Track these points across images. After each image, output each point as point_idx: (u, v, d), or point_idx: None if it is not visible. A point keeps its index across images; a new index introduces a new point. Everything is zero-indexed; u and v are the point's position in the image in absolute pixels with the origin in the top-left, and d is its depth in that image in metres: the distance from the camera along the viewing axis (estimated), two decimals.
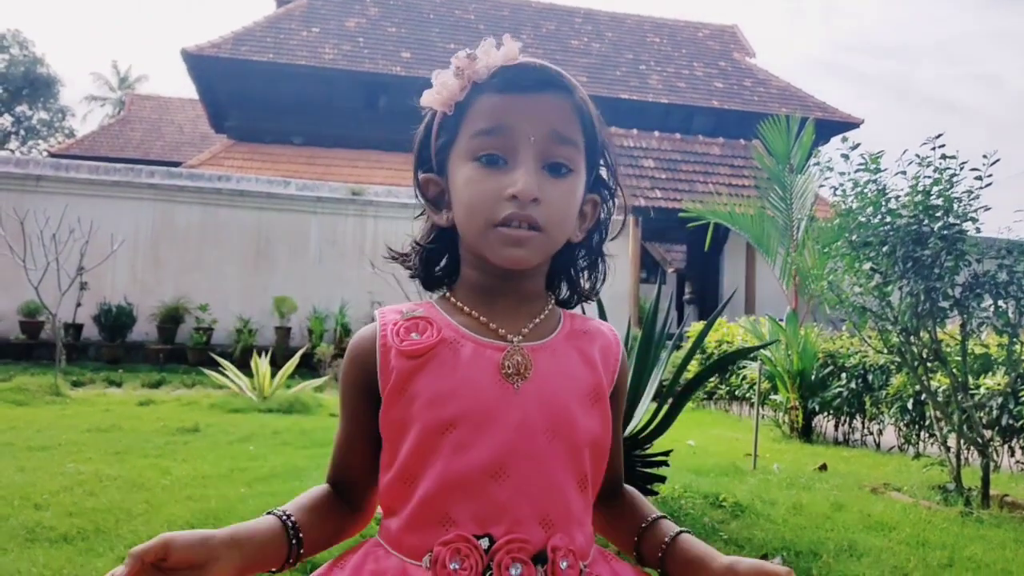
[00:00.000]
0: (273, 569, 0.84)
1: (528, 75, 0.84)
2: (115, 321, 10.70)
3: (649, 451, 3.20)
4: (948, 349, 4.48)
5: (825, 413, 6.81)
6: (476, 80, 0.85)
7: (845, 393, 6.41)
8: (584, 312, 1.04)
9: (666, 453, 3.20)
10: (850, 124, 19.24)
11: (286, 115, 17.42)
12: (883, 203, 4.17)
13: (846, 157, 4.35)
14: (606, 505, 0.97)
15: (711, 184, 13.13)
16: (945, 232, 3.92)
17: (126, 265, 11.08)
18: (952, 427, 4.21)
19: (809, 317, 7.22)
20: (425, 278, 0.94)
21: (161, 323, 11.09)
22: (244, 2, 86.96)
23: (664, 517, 0.93)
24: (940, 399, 4.48)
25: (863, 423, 6.63)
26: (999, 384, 4.72)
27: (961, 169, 3.95)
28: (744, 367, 7.51)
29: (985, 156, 3.91)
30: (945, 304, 4.02)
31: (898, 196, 4.17)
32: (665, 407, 3.24)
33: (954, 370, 4.17)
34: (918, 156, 4.08)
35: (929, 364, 4.34)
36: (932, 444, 5.51)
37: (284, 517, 0.85)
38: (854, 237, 4.30)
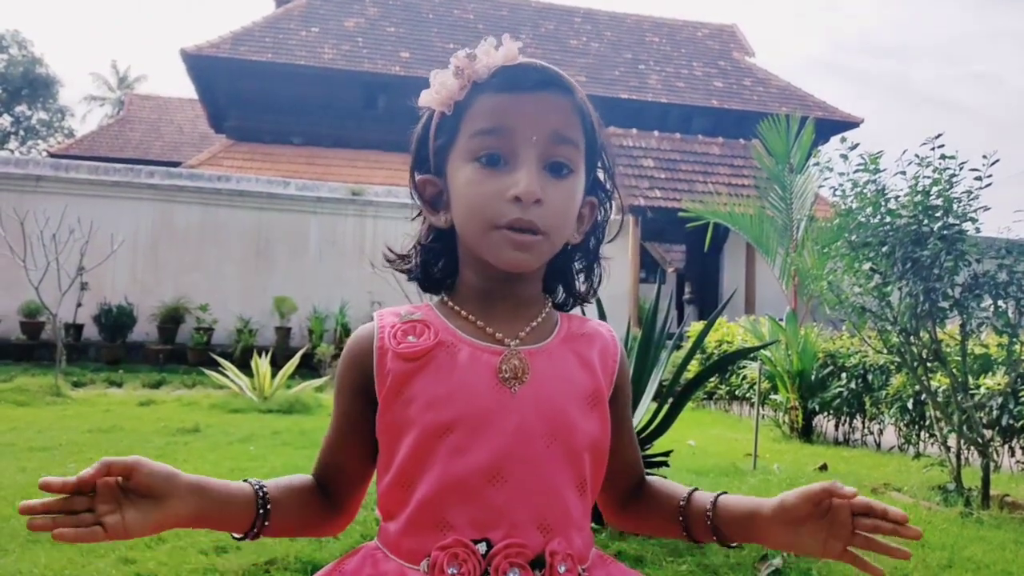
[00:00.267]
0: (236, 535, 0.85)
1: (529, 75, 0.83)
2: (115, 321, 10.70)
3: (649, 451, 3.21)
4: (948, 349, 4.48)
5: (825, 413, 6.82)
6: (476, 80, 0.84)
7: (845, 393, 6.41)
8: (584, 312, 1.04)
9: (666, 453, 3.20)
10: (850, 123, 19.24)
11: (285, 115, 17.43)
12: (882, 203, 4.17)
13: (845, 157, 4.35)
14: (636, 502, 0.96)
15: (711, 184, 13.13)
16: (945, 232, 3.92)
17: (126, 265, 11.08)
18: (952, 427, 4.21)
19: (809, 317, 7.23)
20: (423, 280, 0.94)
21: (161, 323, 11.09)
22: (243, 2, 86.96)
23: (696, 489, 0.92)
24: (940, 399, 4.49)
25: (863, 423, 6.63)
26: (999, 384, 4.73)
27: (960, 169, 3.95)
28: (744, 367, 7.52)
29: (985, 156, 3.91)
30: (945, 304, 4.02)
31: (897, 196, 4.17)
32: (665, 407, 3.24)
33: (954, 370, 4.18)
34: (917, 156, 4.09)
35: (929, 364, 4.35)
36: (932, 444, 5.51)
37: (256, 487, 0.85)
38: (853, 237, 4.30)
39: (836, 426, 6.89)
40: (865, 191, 4.26)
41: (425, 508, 0.81)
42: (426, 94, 0.87)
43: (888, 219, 4.12)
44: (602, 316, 3.31)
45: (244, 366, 8.09)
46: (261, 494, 0.85)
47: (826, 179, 5.68)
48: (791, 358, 6.60)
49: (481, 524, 0.80)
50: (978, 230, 4.00)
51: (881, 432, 6.51)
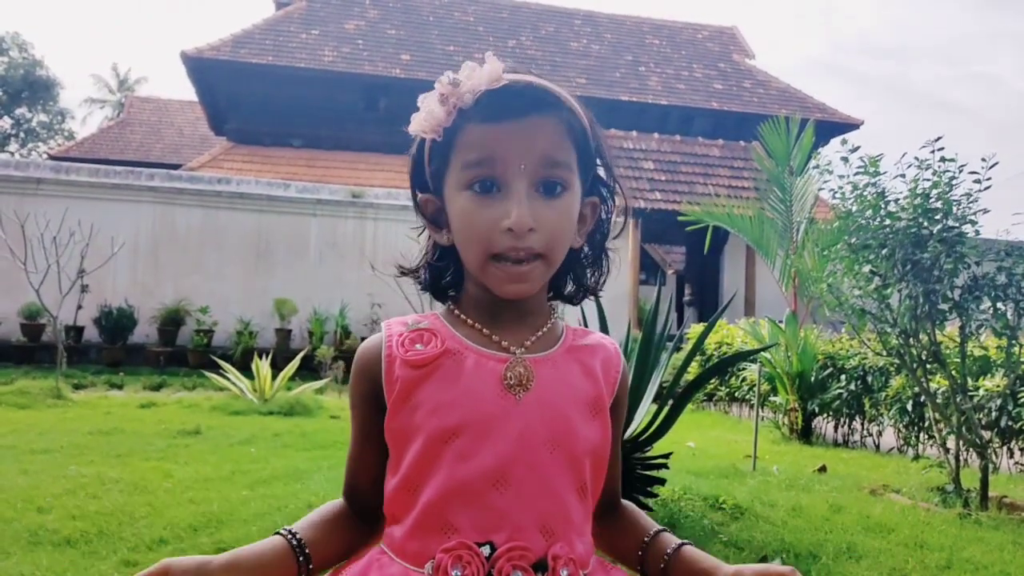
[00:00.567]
0: None
1: (513, 99, 0.83)
2: (116, 323, 10.70)
3: (649, 453, 3.21)
4: (947, 351, 4.50)
5: (824, 415, 6.83)
6: (461, 106, 0.84)
7: (844, 395, 6.42)
8: (584, 313, 1.05)
9: (666, 455, 3.21)
10: (850, 125, 19.26)
11: (285, 118, 17.44)
12: (882, 206, 4.18)
13: (846, 160, 4.37)
14: (606, 522, 0.97)
15: (711, 186, 13.14)
16: (944, 235, 3.93)
17: (127, 268, 11.09)
18: (951, 429, 4.22)
19: (809, 319, 7.23)
20: (433, 290, 0.96)
21: (162, 325, 11.10)
22: (243, 5, 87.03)
23: (665, 530, 0.94)
24: (939, 401, 4.50)
25: (862, 425, 6.64)
26: (998, 386, 4.74)
27: (960, 172, 3.97)
28: (744, 369, 7.53)
29: (984, 159, 3.93)
30: (944, 306, 4.04)
31: (897, 199, 4.18)
32: (665, 409, 3.25)
33: (953, 372, 4.19)
34: (917, 159, 4.10)
35: (928, 366, 4.36)
36: (931, 446, 5.52)
37: (289, 536, 0.87)
38: (853, 240, 4.32)
39: (835, 427, 6.90)
40: (865, 194, 4.27)
41: (430, 511, 0.82)
42: (415, 121, 0.87)
43: (888, 222, 4.13)
44: (602, 318, 3.33)
45: (244, 368, 8.10)
46: (296, 543, 0.86)
47: (826, 181, 5.67)
48: (791, 360, 6.61)
49: (485, 527, 0.81)
50: (977, 232, 4.01)
51: (880, 433, 6.52)
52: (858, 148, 4.37)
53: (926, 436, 5.69)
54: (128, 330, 10.85)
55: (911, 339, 4.25)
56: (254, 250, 11.87)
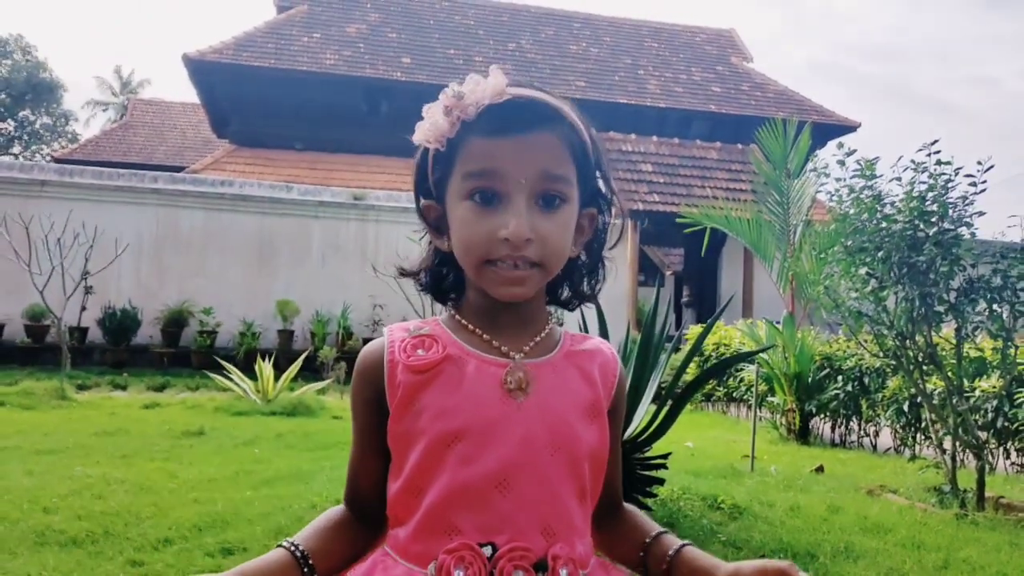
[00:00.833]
0: None
1: (516, 113, 0.85)
2: (119, 325, 10.74)
3: (648, 454, 3.25)
4: (943, 353, 4.53)
5: (822, 415, 6.86)
6: (465, 119, 0.86)
7: (842, 395, 6.45)
8: (583, 314, 1.09)
9: (665, 455, 3.24)
10: (847, 127, 19.29)
11: (287, 120, 17.47)
12: (879, 208, 4.21)
13: (842, 163, 4.40)
14: (609, 524, 1.00)
15: (708, 188, 13.18)
16: (940, 237, 3.96)
17: (130, 269, 11.13)
18: (947, 429, 4.25)
19: (806, 321, 7.27)
20: (434, 294, 0.98)
21: (165, 327, 11.13)
22: (245, 8, 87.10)
23: (666, 532, 0.96)
24: (936, 402, 4.53)
25: (859, 425, 6.67)
26: (994, 387, 4.77)
27: (956, 175, 4.00)
28: (742, 369, 7.56)
29: (979, 162, 3.96)
30: (940, 308, 4.06)
31: (894, 202, 4.21)
32: (664, 410, 3.28)
33: (949, 373, 4.21)
34: (913, 162, 4.13)
35: (925, 367, 4.39)
36: (928, 446, 5.55)
37: (292, 547, 0.89)
38: (850, 242, 4.34)
39: (833, 428, 6.93)
40: (861, 196, 4.30)
41: (434, 514, 0.85)
42: (420, 131, 0.90)
43: (884, 224, 4.16)
44: (601, 319, 3.36)
45: (247, 369, 8.13)
46: (299, 555, 0.88)
47: (823, 184, 5.71)
48: (788, 361, 6.64)
49: (487, 529, 0.84)
50: (973, 235, 4.03)
51: (877, 434, 6.56)
52: (855, 151, 4.40)
53: (923, 437, 5.72)
54: (132, 331, 10.89)
55: (907, 341, 4.28)
56: (257, 252, 11.91)
